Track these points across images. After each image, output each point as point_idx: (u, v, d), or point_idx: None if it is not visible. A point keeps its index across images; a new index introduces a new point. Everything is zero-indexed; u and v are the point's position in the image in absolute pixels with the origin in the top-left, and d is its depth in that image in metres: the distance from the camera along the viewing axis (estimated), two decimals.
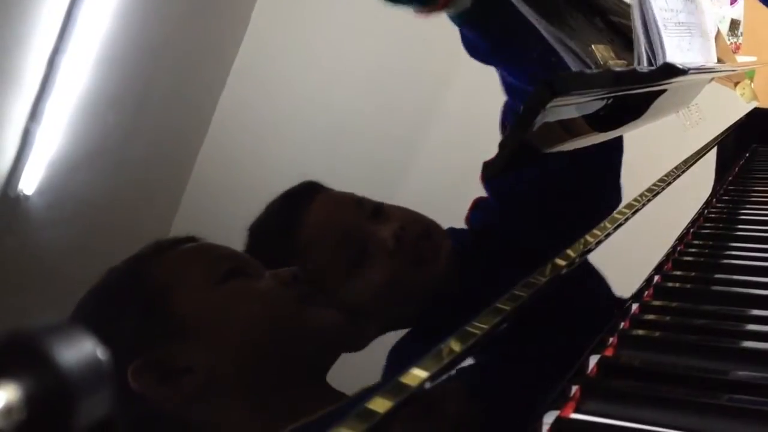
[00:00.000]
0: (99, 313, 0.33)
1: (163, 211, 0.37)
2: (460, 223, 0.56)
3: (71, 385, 0.25)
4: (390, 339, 0.44)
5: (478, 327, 0.47)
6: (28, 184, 0.32)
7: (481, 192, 0.59)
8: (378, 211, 0.49)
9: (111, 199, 0.36)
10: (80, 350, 0.25)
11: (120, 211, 0.36)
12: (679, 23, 0.89)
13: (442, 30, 0.67)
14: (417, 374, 0.41)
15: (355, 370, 0.41)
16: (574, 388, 0.54)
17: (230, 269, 0.39)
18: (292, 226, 0.45)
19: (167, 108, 0.40)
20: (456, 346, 0.45)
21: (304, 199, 0.46)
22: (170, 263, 0.38)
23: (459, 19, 0.65)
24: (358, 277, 0.46)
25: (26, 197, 0.32)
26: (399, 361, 0.42)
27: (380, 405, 0.38)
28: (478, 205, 0.58)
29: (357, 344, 0.43)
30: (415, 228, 0.50)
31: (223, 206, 0.41)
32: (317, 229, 0.46)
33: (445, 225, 0.54)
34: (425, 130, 0.59)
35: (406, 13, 0.62)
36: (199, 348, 0.37)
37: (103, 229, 0.35)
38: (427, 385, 0.41)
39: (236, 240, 0.40)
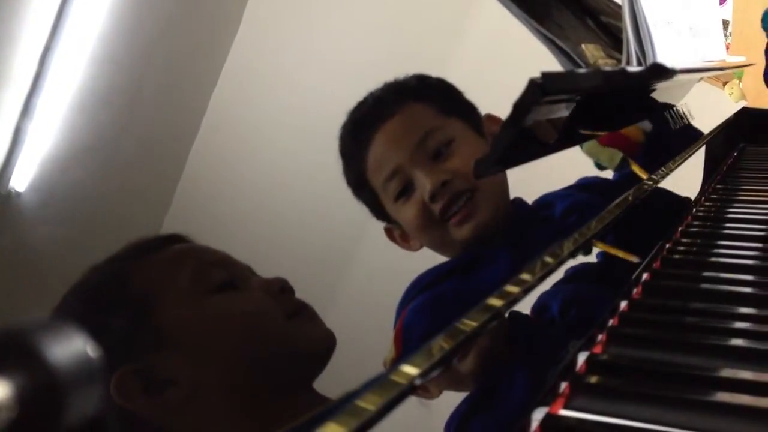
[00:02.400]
0: (79, 318, 0.33)
1: (155, 208, 0.37)
2: None
3: (62, 383, 0.25)
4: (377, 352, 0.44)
5: (468, 324, 0.47)
6: (20, 181, 0.32)
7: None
8: (440, 151, 0.51)
9: (103, 195, 0.36)
10: (71, 347, 0.25)
11: (112, 208, 0.36)
12: (668, 23, 0.89)
13: (435, 25, 0.67)
14: (407, 371, 0.41)
15: (347, 372, 0.41)
16: (564, 385, 0.54)
17: (220, 281, 0.39)
18: (365, 142, 0.49)
19: (159, 106, 0.40)
20: (446, 344, 0.45)
21: (385, 112, 0.49)
22: (157, 268, 0.37)
23: None
24: (399, 206, 0.50)
25: (18, 194, 0.32)
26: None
27: (370, 402, 0.38)
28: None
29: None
30: (459, 184, 0.52)
31: (215, 203, 0.41)
32: (377, 157, 0.50)
33: None
34: None
35: (398, 9, 0.62)
36: (184, 360, 0.36)
37: (95, 226, 0.35)
38: (417, 382, 0.41)
39: (228, 235, 0.40)
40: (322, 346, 0.41)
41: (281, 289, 0.41)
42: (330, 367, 0.40)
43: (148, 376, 0.34)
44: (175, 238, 0.38)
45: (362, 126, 0.48)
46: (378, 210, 0.49)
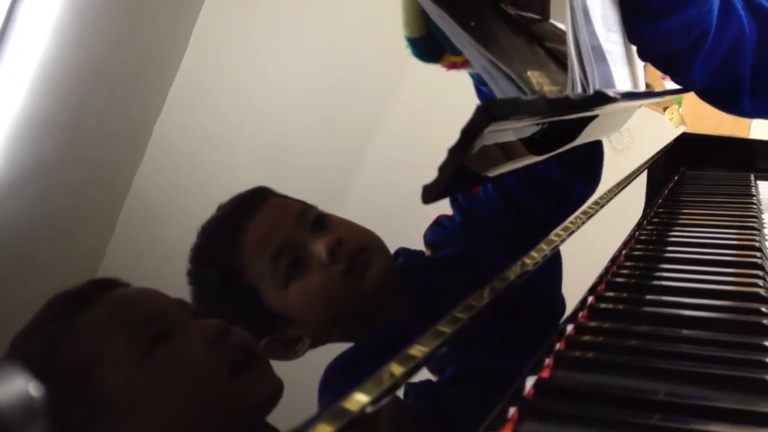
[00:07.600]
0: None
1: (99, 235, 0.37)
2: (402, 239, 0.57)
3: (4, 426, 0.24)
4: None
5: (419, 350, 0.47)
6: None
7: (422, 209, 0.60)
8: (320, 222, 0.49)
9: (44, 225, 0.35)
10: (13, 389, 0.24)
11: (55, 237, 0.35)
12: (606, 52, 0.91)
13: (385, 46, 0.68)
14: (358, 399, 0.41)
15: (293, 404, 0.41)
16: (512, 410, 0.54)
17: (155, 335, 0.37)
18: (236, 232, 0.44)
19: (103, 132, 0.39)
20: (396, 370, 0.45)
21: (252, 205, 0.46)
22: (89, 334, 0.35)
23: (478, 77, 0.65)
24: (292, 288, 0.46)
25: None
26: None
27: (322, 431, 0.37)
28: (439, 221, 0.59)
29: (290, 357, 0.42)
30: (352, 242, 0.50)
31: (160, 228, 0.40)
32: (257, 239, 0.46)
33: (387, 241, 0.54)
34: (367, 150, 0.60)
35: (348, 31, 0.63)
36: (130, 427, 0.35)
37: (36, 257, 0.34)
38: (369, 410, 0.41)
39: (170, 266, 0.40)
40: (268, 401, 0.40)
41: (218, 333, 0.39)
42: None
43: None
44: (101, 286, 0.36)
45: (232, 218, 0.44)
46: (255, 317, 0.44)
